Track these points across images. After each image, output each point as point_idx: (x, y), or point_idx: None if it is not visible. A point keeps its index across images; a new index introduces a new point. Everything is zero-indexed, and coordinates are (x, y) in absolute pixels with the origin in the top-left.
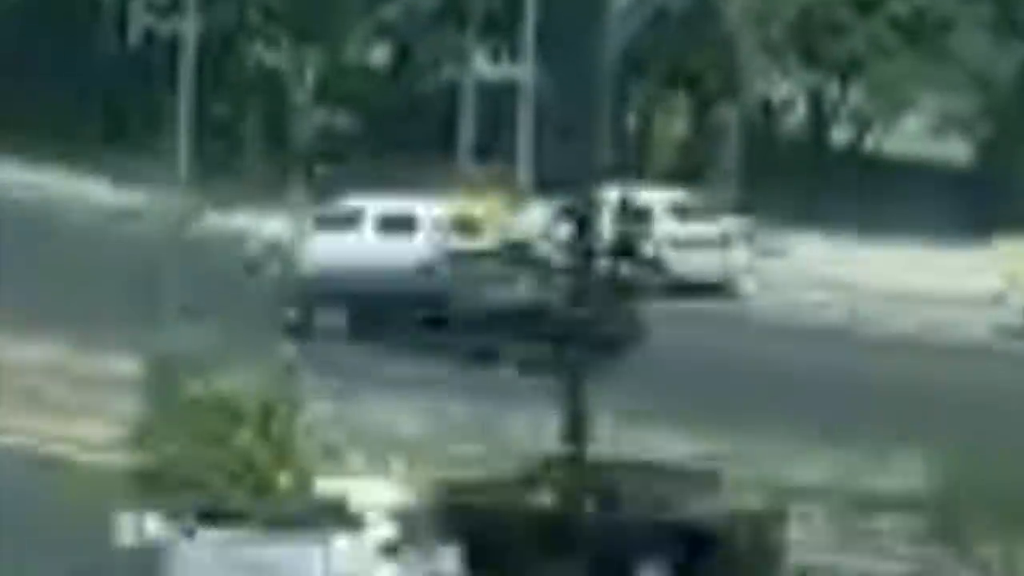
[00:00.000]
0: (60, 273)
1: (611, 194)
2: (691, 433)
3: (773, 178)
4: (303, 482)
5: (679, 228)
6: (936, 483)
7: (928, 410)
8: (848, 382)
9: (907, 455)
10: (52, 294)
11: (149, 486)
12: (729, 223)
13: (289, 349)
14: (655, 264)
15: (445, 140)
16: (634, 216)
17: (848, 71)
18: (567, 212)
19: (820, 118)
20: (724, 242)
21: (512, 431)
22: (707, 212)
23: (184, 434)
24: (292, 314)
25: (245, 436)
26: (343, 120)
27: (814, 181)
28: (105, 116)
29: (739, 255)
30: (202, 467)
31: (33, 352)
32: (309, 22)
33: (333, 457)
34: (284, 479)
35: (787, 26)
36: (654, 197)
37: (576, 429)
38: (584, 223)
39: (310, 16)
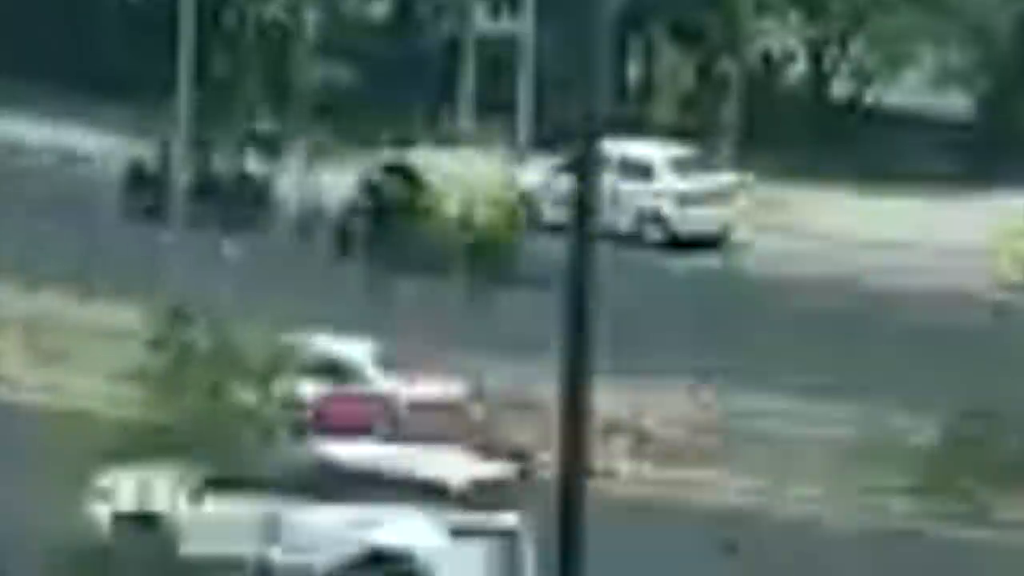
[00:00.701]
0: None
1: (612, 149)
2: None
3: (774, 132)
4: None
5: (680, 182)
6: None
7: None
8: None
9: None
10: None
11: (157, 439)
12: (729, 177)
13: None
14: (657, 218)
15: (446, 94)
16: (636, 171)
17: (849, 26)
18: (565, 168)
19: (820, 72)
20: (724, 196)
21: None
22: (708, 167)
23: (192, 388)
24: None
25: (249, 392)
26: (344, 74)
27: (814, 134)
28: (105, 70)
29: (738, 209)
30: (208, 422)
31: None
32: None
33: None
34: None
35: None
36: (655, 152)
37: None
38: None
39: None
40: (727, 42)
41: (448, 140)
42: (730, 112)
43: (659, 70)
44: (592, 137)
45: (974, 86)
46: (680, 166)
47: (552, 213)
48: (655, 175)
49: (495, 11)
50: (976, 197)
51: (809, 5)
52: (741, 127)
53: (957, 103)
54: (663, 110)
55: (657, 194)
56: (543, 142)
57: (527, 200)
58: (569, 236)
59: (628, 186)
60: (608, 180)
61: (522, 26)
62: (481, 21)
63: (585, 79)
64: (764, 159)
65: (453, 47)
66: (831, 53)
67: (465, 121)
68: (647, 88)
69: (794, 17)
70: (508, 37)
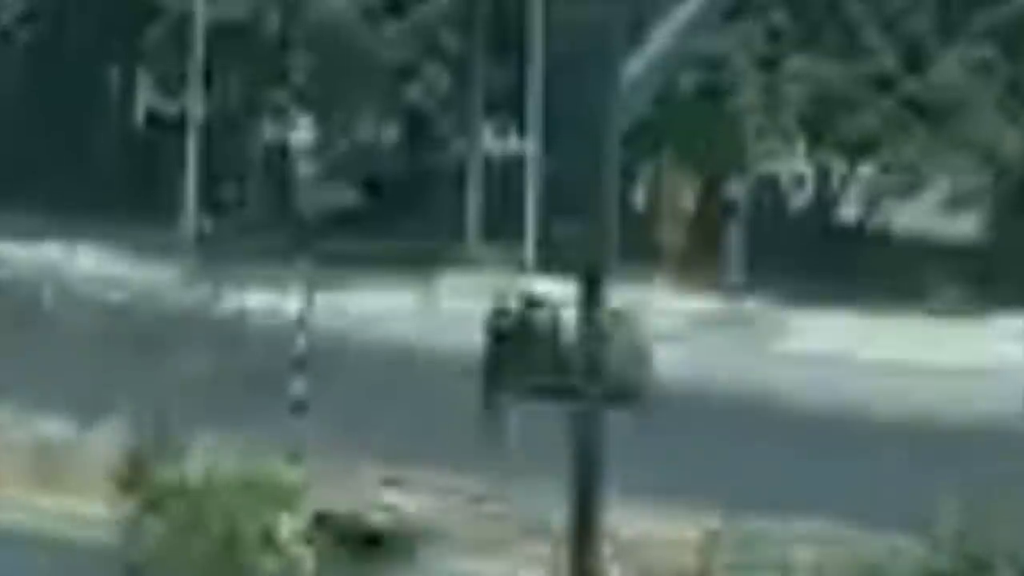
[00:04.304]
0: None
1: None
2: None
3: (781, 256)
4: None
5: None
6: None
7: None
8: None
9: None
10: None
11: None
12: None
13: (301, 428)
14: None
15: (455, 214)
16: None
17: (861, 150)
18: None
19: (828, 196)
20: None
21: None
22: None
23: (165, 522)
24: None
25: (226, 524)
26: (351, 195)
27: (821, 258)
28: (112, 195)
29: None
30: (184, 555)
31: None
32: (325, 98)
33: None
34: (270, 563)
35: (799, 105)
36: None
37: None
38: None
39: (327, 92)
40: (735, 165)
41: (457, 260)
42: (738, 236)
43: (666, 193)
44: (600, 260)
45: (984, 208)
46: None
47: None
48: None
49: (502, 132)
50: (983, 319)
51: (817, 130)
52: (749, 251)
53: (965, 225)
54: (671, 234)
55: None
56: (549, 263)
57: None
58: (576, 359)
59: None
60: None
61: (529, 147)
62: (488, 142)
63: (592, 203)
64: (769, 283)
65: (462, 168)
66: (838, 176)
67: (473, 240)
68: (655, 212)
69: (802, 141)
70: (515, 158)
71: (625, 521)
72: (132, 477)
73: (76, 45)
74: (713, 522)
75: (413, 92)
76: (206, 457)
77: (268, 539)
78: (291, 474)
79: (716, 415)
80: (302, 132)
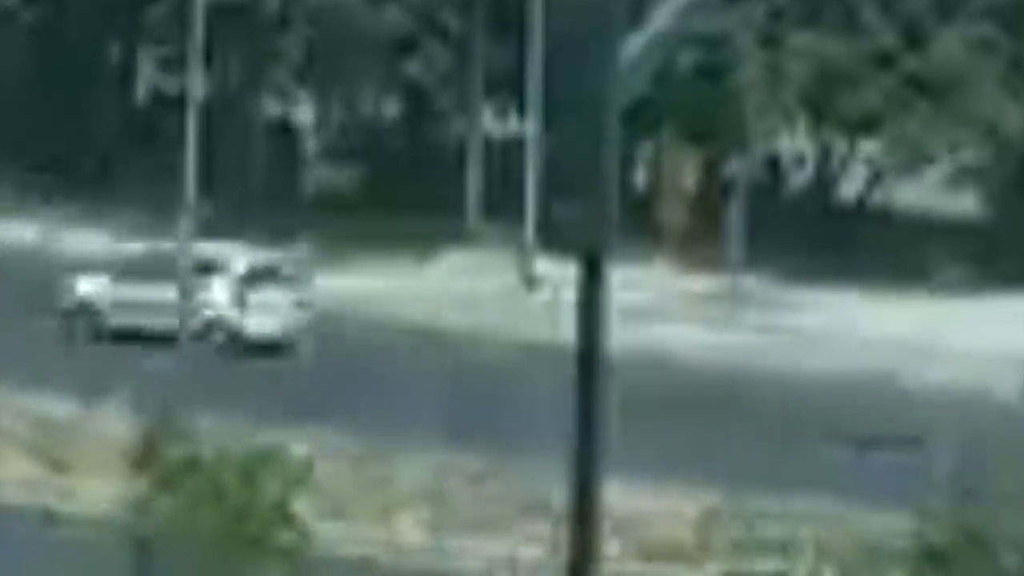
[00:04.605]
0: None
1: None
2: None
3: (781, 235)
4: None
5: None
6: None
7: None
8: None
9: None
10: None
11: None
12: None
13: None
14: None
15: (455, 194)
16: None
17: (862, 127)
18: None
19: (828, 174)
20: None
21: None
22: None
23: (178, 496)
24: None
25: (237, 493)
26: (352, 173)
27: (822, 237)
28: (111, 173)
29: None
30: (195, 528)
31: None
32: (325, 73)
33: None
34: (283, 535)
35: (802, 82)
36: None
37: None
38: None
39: (327, 67)
40: (735, 144)
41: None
42: (737, 214)
43: (666, 172)
44: (600, 241)
45: (987, 185)
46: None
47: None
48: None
49: (502, 113)
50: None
51: (819, 107)
52: (748, 229)
53: (967, 203)
54: (672, 212)
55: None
56: (549, 243)
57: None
58: (577, 344)
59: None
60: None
61: (529, 127)
62: (488, 123)
63: (592, 183)
64: (770, 261)
65: (462, 148)
66: (839, 154)
67: (473, 219)
68: (656, 190)
69: (803, 119)
70: (515, 139)
71: (626, 498)
72: (145, 455)
73: (78, 25)
74: (712, 499)
75: (412, 67)
76: (214, 434)
77: (282, 512)
78: (300, 449)
79: (709, 390)
80: (303, 108)
